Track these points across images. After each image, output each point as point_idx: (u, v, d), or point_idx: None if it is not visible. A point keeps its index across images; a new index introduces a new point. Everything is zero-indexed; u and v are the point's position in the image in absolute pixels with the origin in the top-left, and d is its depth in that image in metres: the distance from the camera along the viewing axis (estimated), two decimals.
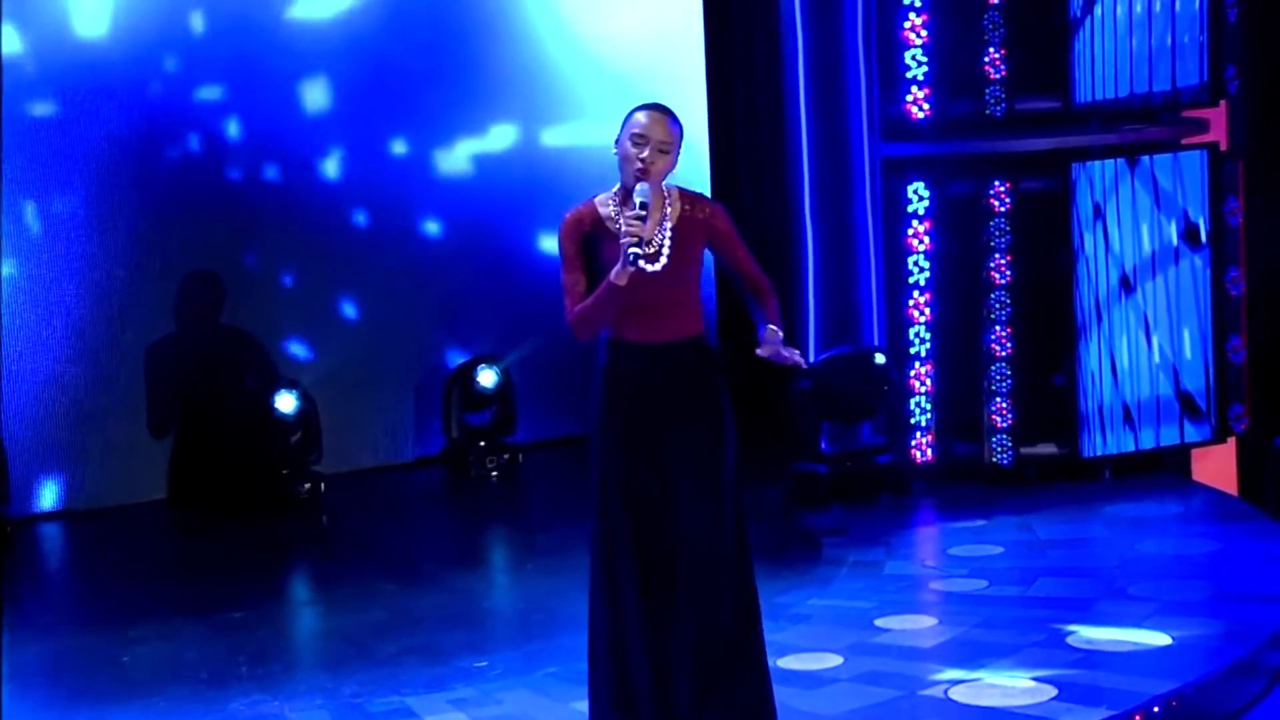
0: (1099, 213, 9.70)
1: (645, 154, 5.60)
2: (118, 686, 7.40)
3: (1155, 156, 9.79)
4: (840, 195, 9.81)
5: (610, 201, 5.71)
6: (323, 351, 10.56)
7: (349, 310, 10.64)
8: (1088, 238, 9.69)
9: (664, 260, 5.68)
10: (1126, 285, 9.77)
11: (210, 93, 10.21)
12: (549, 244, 10.98)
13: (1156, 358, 9.85)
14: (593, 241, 5.67)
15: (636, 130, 5.64)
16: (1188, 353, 9.93)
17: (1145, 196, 9.79)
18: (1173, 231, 9.86)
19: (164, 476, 10.17)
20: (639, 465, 5.69)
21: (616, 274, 5.55)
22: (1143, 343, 9.83)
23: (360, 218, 10.62)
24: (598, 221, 5.69)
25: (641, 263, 5.60)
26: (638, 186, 5.61)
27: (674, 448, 5.71)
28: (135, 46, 9.97)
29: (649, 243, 5.61)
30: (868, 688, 6.89)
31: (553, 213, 10.85)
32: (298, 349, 10.50)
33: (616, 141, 5.69)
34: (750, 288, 5.87)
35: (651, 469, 5.70)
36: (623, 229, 5.54)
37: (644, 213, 5.56)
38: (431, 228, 10.80)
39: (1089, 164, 9.69)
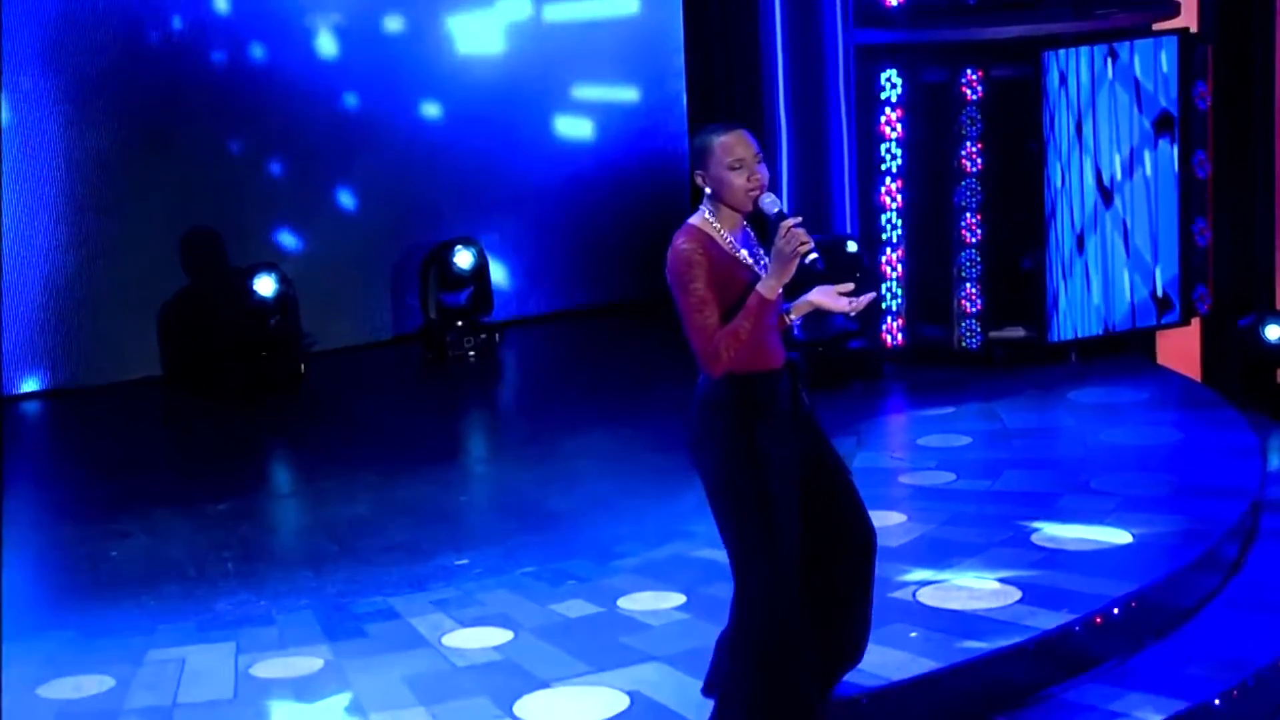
0: (1074, 107, 9.79)
1: (752, 175, 5.50)
2: (107, 584, 7.55)
3: (1134, 43, 9.88)
4: (814, 82, 9.88)
5: (710, 222, 5.55)
6: (300, 232, 10.65)
7: (326, 190, 10.71)
8: (1059, 126, 9.79)
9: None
10: (1102, 187, 9.90)
11: None
12: (526, 123, 11.03)
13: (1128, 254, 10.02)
14: (716, 269, 5.48)
15: (731, 158, 5.48)
16: (1161, 240, 10.10)
17: (1124, 92, 9.88)
18: (1146, 120, 9.99)
19: (148, 358, 10.30)
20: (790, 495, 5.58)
21: (769, 287, 5.41)
22: (1119, 244, 9.99)
23: (338, 100, 10.67)
24: (718, 247, 5.52)
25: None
26: (766, 199, 5.50)
27: (806, 465, 5.66)
28: None
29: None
30: None
31: (540, 94, 10.99)
32: (278, 232, 10.59)
33: (701, 173, 5.55)
34: None
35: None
36: (789, 240, 5.36)
37: (798, 218, 5.43)
38: (409, 107, 10.84)
39: (1060, 51, 9.77)
